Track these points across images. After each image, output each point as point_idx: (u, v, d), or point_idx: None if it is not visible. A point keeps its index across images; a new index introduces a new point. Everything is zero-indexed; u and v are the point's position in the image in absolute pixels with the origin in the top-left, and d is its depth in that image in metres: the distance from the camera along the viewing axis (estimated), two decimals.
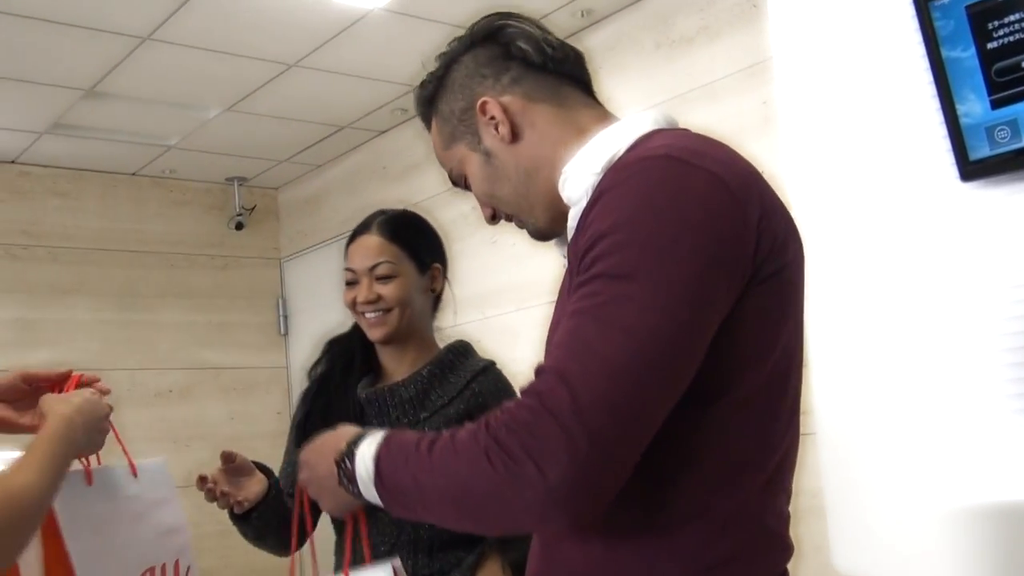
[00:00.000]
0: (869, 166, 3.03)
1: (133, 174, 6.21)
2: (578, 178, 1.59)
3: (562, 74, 1.72)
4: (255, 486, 2.54)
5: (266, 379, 6.50)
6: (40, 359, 5.70)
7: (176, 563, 2.21)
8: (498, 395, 2.58)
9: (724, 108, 4.01)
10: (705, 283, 1.37)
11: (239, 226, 6.46)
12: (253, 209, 6.56)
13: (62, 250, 5.96)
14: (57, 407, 1.82)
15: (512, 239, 4.85)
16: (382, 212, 2.67)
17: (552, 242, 1.77)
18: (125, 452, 2.16)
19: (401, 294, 2.60)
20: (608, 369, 1.32)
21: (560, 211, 1.66)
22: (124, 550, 2.16)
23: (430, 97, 1.79)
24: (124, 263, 6.14)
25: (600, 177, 1.53)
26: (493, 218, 1.78)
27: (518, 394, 2.55)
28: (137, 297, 6.16)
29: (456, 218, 5.17)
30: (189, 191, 6.44)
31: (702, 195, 1.40)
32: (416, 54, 4.61)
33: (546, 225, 1.73)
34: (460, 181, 1.79)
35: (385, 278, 2.57)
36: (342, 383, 2.66)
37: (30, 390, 1.99)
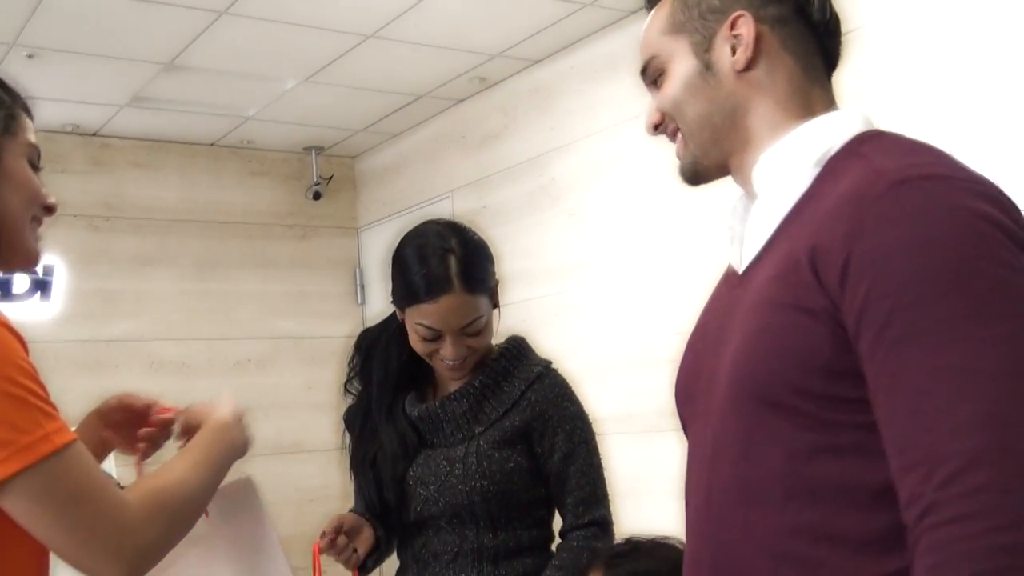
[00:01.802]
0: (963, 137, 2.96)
1: (211, 145, 6.23)
2: (779, 169, 1.54)
3: (823, 43, 1.62)
4: (368, 538, 2.54)
5: (343, 348, 6.37)
6: (121, 330, 5.82)
7: None
8: (557, 402, 2.52)
9: None
10: None
11: (317, 196, 6.46)
12: (331, 179, 6.55)
13: (142, 221, 6.00)
14: (215, 412, 1.85)
15: (592, 213, 4.83)
16: (447, 250, 2.44)
17: (727, 232, 1.66)
18: None
19: (488, 338, 2.52)
20: None
21: (730, 162, 1.61)
22: None
23: None
24: (203, 234, 6.17)
25: (815, 174, 1.49)
26: (656, 127, 1.68)
27: (576, 395, 2.54)
28: (216, 267, 6.19)
29: (535, 190, 5.15)
30: (267, 161, 6.45)
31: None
32: (494, 22, 4.63)
33: (709, 166, 1.64)
34: (652, 73, 1.67)
35: (475, 333, 2.46)
36: (386, 401, 2.58)
37: (127, 416, 2.01)
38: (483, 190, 5.50)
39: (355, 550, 2.47)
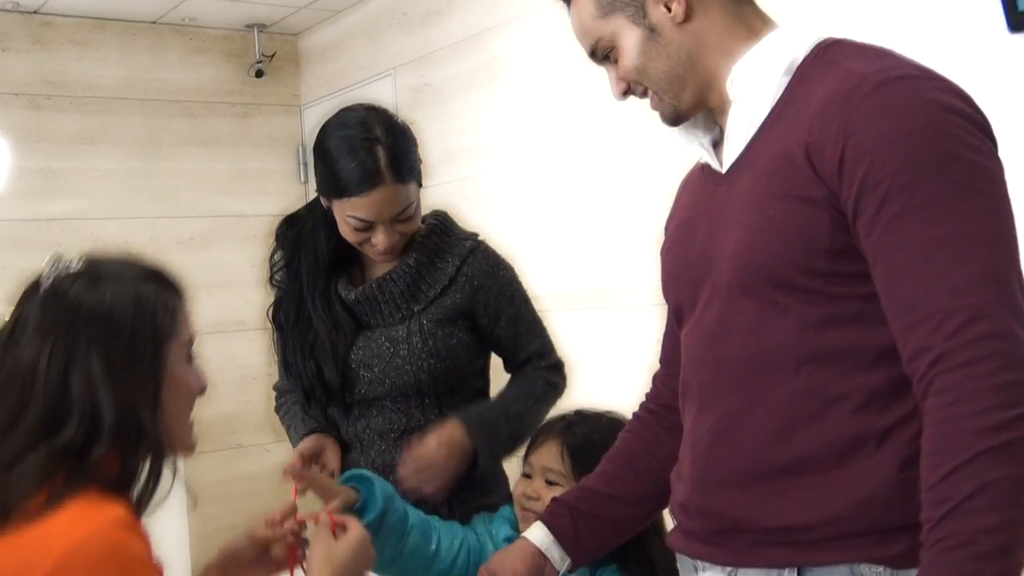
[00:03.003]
0: (916, 17, 3.00)
1: (153, 23, 6.13)
2: (753, 78, 1.68)
3: None
4: (333, 448, 2.55)
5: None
6: (63, 209, 5.79)
7: None
8: (493, 273, 2.57)
9: None
10: None
11: (259, 74, 6.40)
12: (273, 56, 6.49)
13: (84, 100, 5.93)
14: (321, 564, 1.82)
15: (534, 91, 4.84)
16: (373, 140, 2.41)
17: (677, 129, 1.83)
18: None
19: (417, 222, 2.52)
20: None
21: (704, 99, 1.76)
22: None
23: None
24: (145, 112, 6.11)
25: (787, 82, 1.65)
26: (626, 93, 1.81)
27: (510, 266, 2.61)
28: (158, 146, 6.14)
29: (477, 67, 5.14)
30: (208, 39, 6.37)
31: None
32: None
33: (688, 109, 1.78)
34: (604, 53, 1.79)
35: (407, 219, 2.47)
36: (319, 287, 2.56)
37: (259, 550, 1.99)
38: (425, 67, 5.47)
39: (331, 473, 2.46)
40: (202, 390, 1.75)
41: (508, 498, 2.42)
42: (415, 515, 2.19)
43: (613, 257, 4.38)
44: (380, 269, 2.55)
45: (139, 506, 1.60)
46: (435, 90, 5.39)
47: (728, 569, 1.69)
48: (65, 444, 1.54)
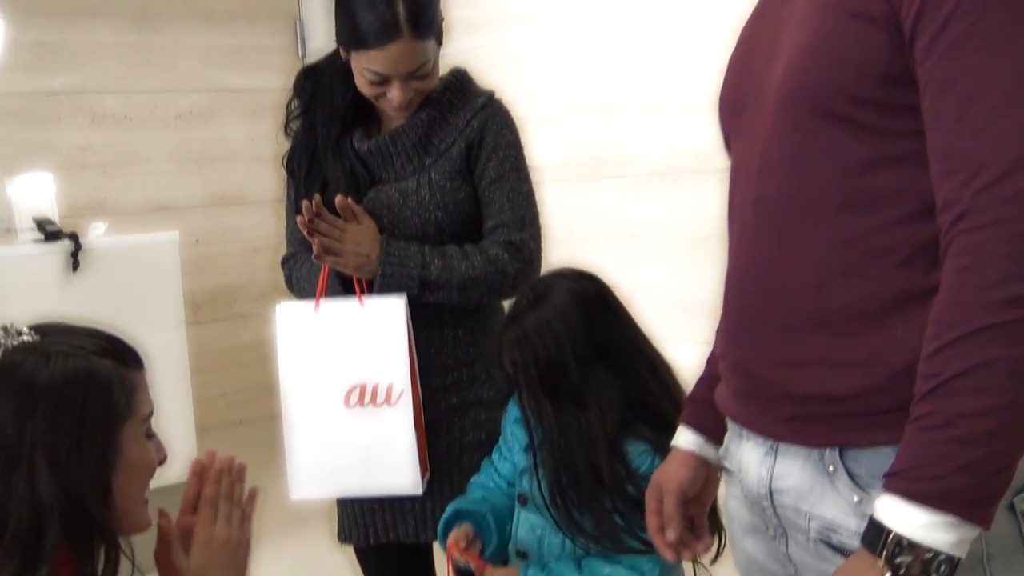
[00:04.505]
0: None
1: None
2: None
3: None
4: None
5: (285, 101, 6.42)
6: (62, 82, 5.82)
7: (389, 387, 2.37)
8: (496, 129, 2.53)
9: None
10: None
11: None
12: None
13: None
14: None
15: None
16: None
17: None
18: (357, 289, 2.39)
19: (435, 80, 2.49)
20: None
21: None
22: (331, 368, 2.39)
23: None
24: None
25: None
26: None
27: (517, 132, 2.56)
28: (157, 19, 6.13)
29: None
30: None
31: None
32: None
33: None
34: None
35: (423, 76, 2.43)
36: (334, 137, 2.53)
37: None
38: None
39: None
40: (162, 461, 1.68)
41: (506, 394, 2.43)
42: (495, 519, 2.28)
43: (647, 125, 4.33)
44: (395, 123, 2.53)
45: None
46: None
47: (769, 443, 1.57)
48: (12, 540, 1.47)
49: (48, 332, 1.59)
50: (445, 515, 2.29)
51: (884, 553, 1.28)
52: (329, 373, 2.41)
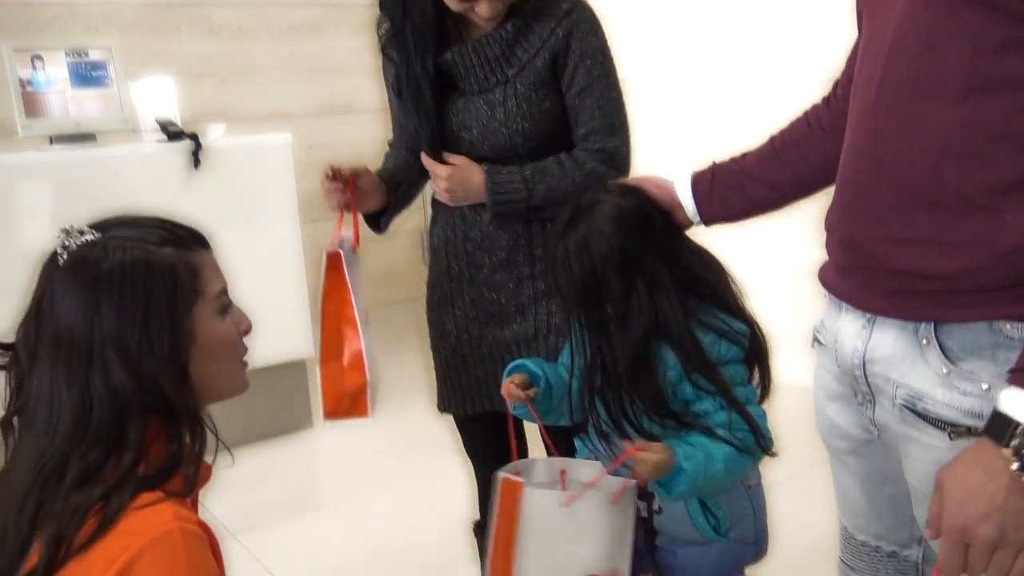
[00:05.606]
0: None
1: None
2: None
3: None
4: (373, 201, 2.64)
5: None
6: None
7: None
8: (583, 36, 2.48)
9: None
10: None
11: None
12: None
13: None
14: None
15: None
16: None
17: None
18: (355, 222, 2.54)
19: None
20: None
21: None
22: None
23: None
24: None
25: None
26: None
27: (605, 37, 2.58)
28: None
29: None
30: None
31: None
32: None
33: None
34: None
35: None
36: (424, 53, 2.51)
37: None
38: None
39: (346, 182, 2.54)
40: (246, 330, 1.71)
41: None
42: (549, 385, 2.35)
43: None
44: (478, 34, 2.50)
45: (188, 482, 1.56)
46: None
47: (867, 316, 1.60)
48: (95, 433, 1.51)
49: (108, 228, 1.60)
50: (507, 368, 2.35)
51: (1012, 443, 1.32)
52: None
